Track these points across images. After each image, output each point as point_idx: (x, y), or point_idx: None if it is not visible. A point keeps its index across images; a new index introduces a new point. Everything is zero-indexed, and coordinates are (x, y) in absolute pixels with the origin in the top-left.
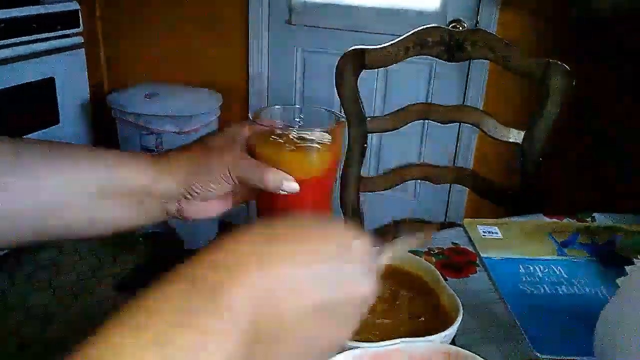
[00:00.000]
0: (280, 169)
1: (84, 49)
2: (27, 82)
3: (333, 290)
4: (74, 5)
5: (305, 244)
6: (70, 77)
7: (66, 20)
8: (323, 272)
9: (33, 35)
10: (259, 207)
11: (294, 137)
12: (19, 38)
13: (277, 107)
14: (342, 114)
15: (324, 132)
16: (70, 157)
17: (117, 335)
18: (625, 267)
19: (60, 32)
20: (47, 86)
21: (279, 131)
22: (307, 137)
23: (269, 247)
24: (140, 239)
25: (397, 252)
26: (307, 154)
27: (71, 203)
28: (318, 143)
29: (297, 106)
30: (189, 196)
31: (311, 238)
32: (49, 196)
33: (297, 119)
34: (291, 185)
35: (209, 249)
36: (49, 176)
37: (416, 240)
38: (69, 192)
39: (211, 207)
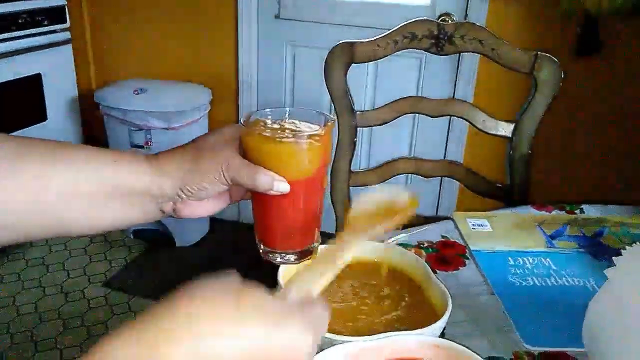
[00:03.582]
0: (272, 169)
1: (71, 44)
2: (14, 79)
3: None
4: (61, 1)
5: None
6: (58, 73)
7: (53, 15)
8: (259, 343)
9: (19, 32)
10: (253, 206)
11: (284, 136)
12: (5, 34)
13: (267, 109)
14: (333, 112)
15: (314, 132)
16: (70, 158)
17: None
18: (613, 258)
19: (47, 28)
20: (34, 83)
21: (268, 131)
22: (297, 136)
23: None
24: (131, 236)
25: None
26: (297, 152)
27: (71, 204)
28: (308, 142)
29: (287, 108)
30: (183, 196)
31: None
32: (50, 197)
33: (287, 121)
34: (282, 186)
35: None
36: (49, 178)
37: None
38: (69, 193)
39: (206, 206)
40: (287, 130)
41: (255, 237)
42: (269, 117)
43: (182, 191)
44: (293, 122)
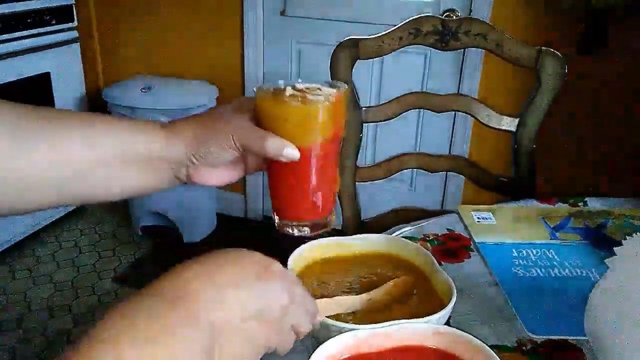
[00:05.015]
0: (282, 134)
1: (78, 43)
2: (22, 78)
3: (259, 303)
4: (68, 0)
5: (237, 272)
6: (66, 71)
7: (60, 15)
8: (250, 290)
9: (28, 31)
10: (268, 177)
11: (294, 100)
12: (14, 34)
13: (280, 81)
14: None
15: (325, 97)
16: (89, 125)
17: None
18: (614, 248)
19: (54, 27)
20: (42, 81)
21: (279, 95)
22: (308, 100)
23: (212, 276)
24: (140, 233)
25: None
26: (307, 116)
27: (92, 169)
28: (319, 106)
29: (300, 80)
30: (195, 161)
31: (243, 268)
32: (71, 164)
33: (301, 86)
34: (291, 152)
35: (162, 282)
36: (70, 144)
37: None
38: (90, 160)
39: (221, 174)
40: (298, 95)
41: (272, 210)
42: (282, 86)
43: (194, 156)
44: (307, 87)
